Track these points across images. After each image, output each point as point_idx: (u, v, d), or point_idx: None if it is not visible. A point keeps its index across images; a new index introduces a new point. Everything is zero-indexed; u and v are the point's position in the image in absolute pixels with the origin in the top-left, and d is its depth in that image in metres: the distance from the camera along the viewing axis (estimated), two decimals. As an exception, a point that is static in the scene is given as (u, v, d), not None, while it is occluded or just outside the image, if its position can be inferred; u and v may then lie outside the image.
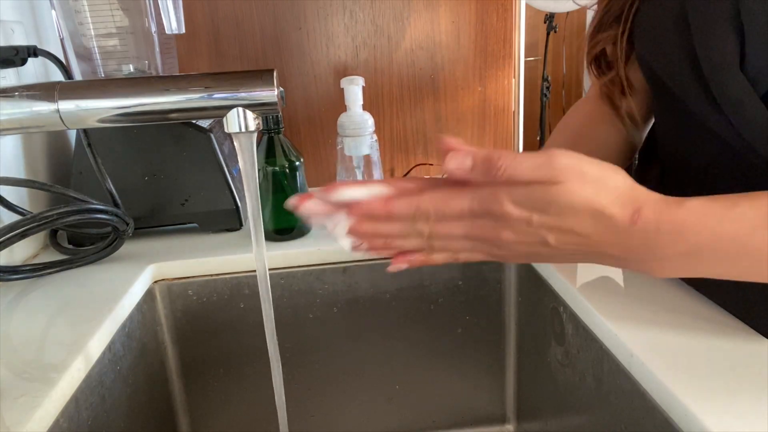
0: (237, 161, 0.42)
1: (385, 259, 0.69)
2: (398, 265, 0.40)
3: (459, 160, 0.35)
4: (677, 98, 0.48)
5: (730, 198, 0.35)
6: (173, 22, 0.68)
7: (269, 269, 0.47)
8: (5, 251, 0.57)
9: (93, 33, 0.69)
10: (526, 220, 0.35)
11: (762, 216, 0.34)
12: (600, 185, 0.34)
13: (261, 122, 0.42)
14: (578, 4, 0.62)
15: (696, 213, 0.35)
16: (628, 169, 0.61)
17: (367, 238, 0.40)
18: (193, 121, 0.73)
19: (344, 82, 0.74)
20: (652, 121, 0.61)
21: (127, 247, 0.69)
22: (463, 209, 0.36)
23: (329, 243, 0.71)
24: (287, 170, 0.71)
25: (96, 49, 0.70)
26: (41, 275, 0.64)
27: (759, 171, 0.44)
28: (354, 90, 0.73)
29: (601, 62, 0.57)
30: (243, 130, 0.40)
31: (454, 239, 0.38)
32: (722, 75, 0.41)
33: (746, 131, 0.42)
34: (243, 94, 0.40)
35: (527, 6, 1.00)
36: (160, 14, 0.68)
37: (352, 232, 0.39)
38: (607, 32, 0.54)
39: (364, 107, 0.75)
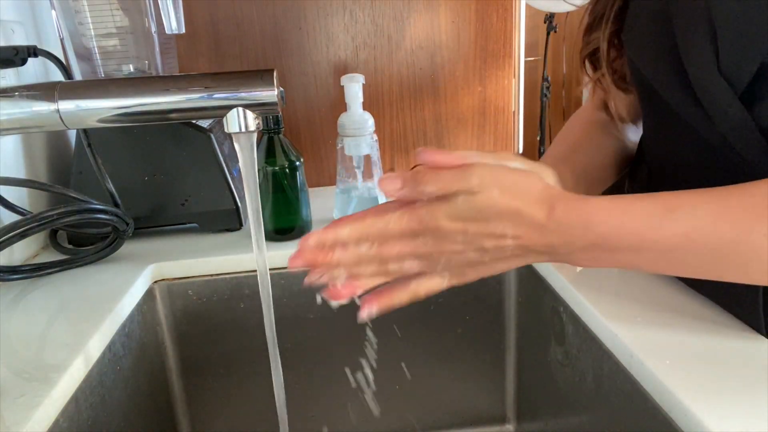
0: (237, 161, 0.42)
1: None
2: (368, 310, 0.43)
3: (389, 181, 0.39)
4: (662, 99, 0.48)
5: (641, 195, 0.39)
6: (173, 22, 0.68)
7: (269, 269, 0.47)
8: (5, 251, 0.57)
9: (93, 33, 0.69)
10: (461, 230, 0.39)
11: (659, 209, 0.37)
12: (515, 191, 0.38)
13: (261, 122, 0.42)
14: (572, 5, 0.62)
15: (602, 207, 0.38)
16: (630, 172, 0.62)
17: (323, 268, 0.42)
18: (193, 121, 0.73)
19: (344, 80, 0.73)
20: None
21: (127, 247, 0.69)
22: (404, 228, 0.40)
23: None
24: (287, 170, 0.71)
25: (96, 49, 0.70)
26: (41, 275, 0.64)
27: (740, 170, 0.44)
28: (354, 88, 0.73)
29: (592, 62, 0.58)
30: (243, 130, 0.40)
31: (405, 260, 0.41)
32: (703, 75, 0.41)
33: (727, 130, 0.42)
34: (243, 94, 0.40)
35: (527, 6, 1.00)
36: (160, 14, 0.68)
37: (305, 263, 0.42)
38: (597, 33, 0.55)
39: (364, 107, 0.75)
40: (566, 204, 0.38)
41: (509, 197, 0.38)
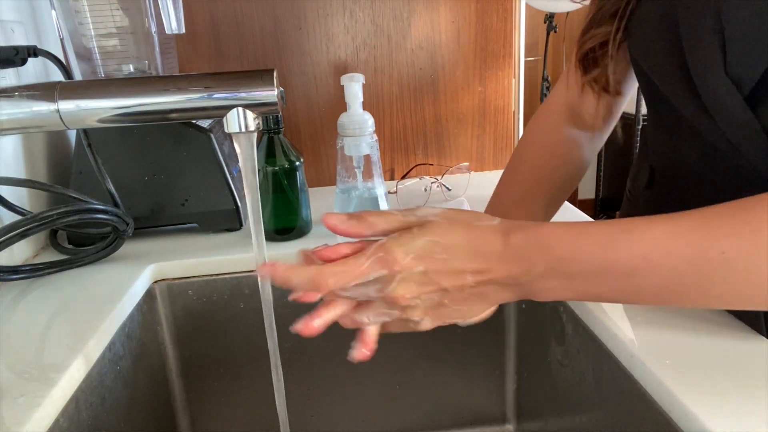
0: (237, 161, 0.42)
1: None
2: (362, 352, 0.44)
3: (333, 216, 0.40)
4: (666, 99, 0.48)
5: (597, 221, 0.38)
6: (173, 22, 0.68)
7: (269, 269, 0.47)
8: (5, 251, 0.57)
9: (93, 33, 0.69)
10: (420, 271, 0.37)
11: (615, 231, 0.36)
12: (465, 222, 0.39)
13: (261, 122, 0.42)
14: (577, 3, 0.62)
15: (557, 230, 0.37)
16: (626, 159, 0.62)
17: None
18: (193, 121, 0.73)
19: (344, 80, 0.73)
20: (613, 125, 0.63)
21: (127, 247, 0.69)
22: (363, 270, 0.38)
23: (329, 243, 0.71)
24: (287, 170, 0.71)
25: (96, 49, 0.70)
26: (41, 275, 0.64)
27: (744, 172, 0.44)
28: (354, 87, 0.73)
29: (588, 60, 0.56)
30: (243, 130, 0.40)
31: (374, 309, 0.40)
32: (708, 76, 0.41)
33: (730, 132, 0.42)
34: (243, 94, 0.40)
35: (527, 6, 1.00)
36: (160, 14, 0.68)
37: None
38: (600, 29, 0.54)
39: (364, 107, 0.75)
40: (521, 230, 0.38)
41: (461, 228, 0.38)
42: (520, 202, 0.59)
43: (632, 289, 0.36)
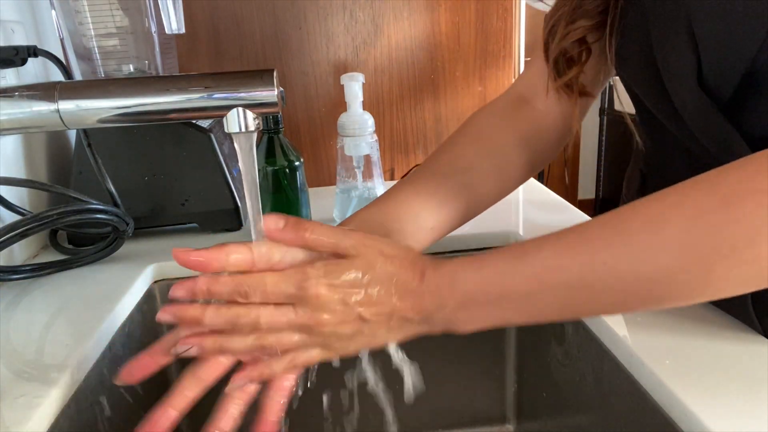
0: (237, 161, 0.42)
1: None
2: (236, 384, 0.43)
3: (274, 220, 0.40)
4: (649, 108, 0.48)
5: (500, 248, 0.40)
6: (173, 22, 0.68)
7: (269, 269, 0.47)
8: (5, 251, 0.57)
9: (93, 33, 0.69)
10: (339, 300, 0.38)
11: (510, 257, 0.38)
12: (392, 255, 0.40)
13: (261, 122, 0.42)
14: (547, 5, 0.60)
15: (462, 265, 0.39)
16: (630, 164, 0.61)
17: (191, 327, 0.40)
18: (193, 121, 0.73)
19: (344, 79, 0.74)
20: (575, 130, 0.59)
21: (127, 247, 0.69)
22: (280, 293, 0.39)
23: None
24: (287, 170, 0.71)
25: (96, 49, 0.70)
26: (41, 275, 0.64)
27: None
28: (354, 87, 0.73)
29: (561, 62, 0.52)
30: (243, 130, 0.40)
31: (282, 331, 0.39)
32: (681, 87, 0.41)
33: (708, 142, 0.42)
34: (243, 94, 0.40)
35: (527, 6, 1.00)
36: (160, 14, 0.68)
37: (174, 318, 0.40)
38: (579, 23, 0.50)
39: (364, 107, 0.75)
40: (433, 268, 0.40)
41: (387, 262, 0.39)
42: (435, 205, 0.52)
43: (535, 309, 0.38)
